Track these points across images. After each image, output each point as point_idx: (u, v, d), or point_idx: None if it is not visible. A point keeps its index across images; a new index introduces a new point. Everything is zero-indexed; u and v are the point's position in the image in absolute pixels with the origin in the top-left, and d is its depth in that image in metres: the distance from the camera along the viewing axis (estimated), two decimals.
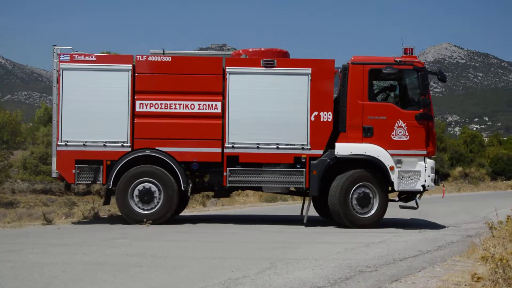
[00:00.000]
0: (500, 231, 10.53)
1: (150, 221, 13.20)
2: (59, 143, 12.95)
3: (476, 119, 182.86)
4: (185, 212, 17.80)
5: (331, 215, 14.01)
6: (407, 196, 14.07)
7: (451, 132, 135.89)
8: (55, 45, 13.34)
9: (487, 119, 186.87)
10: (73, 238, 11.48)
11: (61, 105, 12.99)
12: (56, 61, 13.16)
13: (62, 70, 12.98)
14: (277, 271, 8.13)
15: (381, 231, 13.45)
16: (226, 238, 11.94)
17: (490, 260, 7.19)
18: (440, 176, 54.93)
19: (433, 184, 13.63)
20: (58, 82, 13.04)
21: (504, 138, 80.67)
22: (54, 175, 13.23)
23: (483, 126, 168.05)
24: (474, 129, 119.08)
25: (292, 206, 21.41)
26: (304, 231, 13.25)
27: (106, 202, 14.22)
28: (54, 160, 13.06)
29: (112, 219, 14.80)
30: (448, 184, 46.52)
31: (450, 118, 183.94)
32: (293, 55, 14.39)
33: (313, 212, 14.87)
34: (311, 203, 14.00)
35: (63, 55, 13.12)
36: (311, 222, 14.62)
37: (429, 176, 13.39)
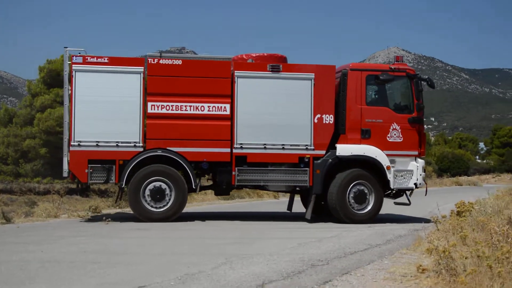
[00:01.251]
0: (444, 225, 10.67)
1: (109, 219, 13.04)
2: (72, 143, 12.79)
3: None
4: None
5: (318, 211, 14.47)
6: (396, 193, 14.43)
7: None
8: (66, 47, 13.20)
9: (433, 119, 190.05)
10: (32, 237, 11.21)
11: (73, 106, 12.80)
12: (68, 62, 13.01)
13: (75, 71, 12.81)
14: (232, 266, 8.08)
15: (333, 226, 13.54)
16: (183, 235, 11.84)
17: (434, 252, 7.26)
18: None
19: (423, 182, 14.17)
20: (70, 83, 12.87)
21: (449, 137, 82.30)
22: (65, 174, 13.14)
23: (429, 126, 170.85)
24: None
25: (248, 204, 21.43)
26: (259, 227, 13.22)
27: (119, 199, 14.60)
28: (65, 160, 12.93)
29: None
30: None
31: None
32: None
33: (298, 209, 14.87)
34: (313, 200, 13.95)
35: (75, 56, 12.96)
36: (267, 218, 14.64)
37: (420, 174, 13.94)
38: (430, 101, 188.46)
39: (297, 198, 16.16)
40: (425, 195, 14.57)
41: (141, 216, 13.29)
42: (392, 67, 13.98)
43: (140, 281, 7.00)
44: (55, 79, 27.83)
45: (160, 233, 12.00)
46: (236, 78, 13.26)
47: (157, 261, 8.53)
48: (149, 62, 13.10)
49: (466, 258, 7.25)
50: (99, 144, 12.79)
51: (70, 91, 12.90)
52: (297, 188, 14.35)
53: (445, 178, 51.58)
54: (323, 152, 13.65)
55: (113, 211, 17.08)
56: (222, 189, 14.17)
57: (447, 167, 55.48)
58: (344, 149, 13.64)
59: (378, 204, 13.84)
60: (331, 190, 13.61)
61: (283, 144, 13.43)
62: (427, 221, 13.88)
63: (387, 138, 13.80)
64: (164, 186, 13.12)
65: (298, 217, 14.71)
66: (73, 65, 12.83)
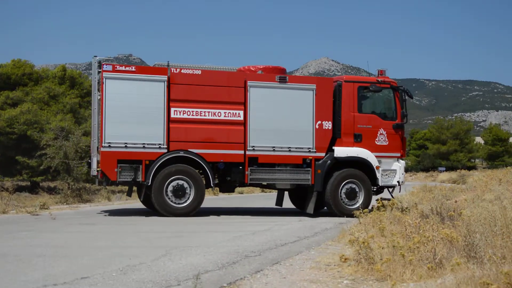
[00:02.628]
0: (365, 219, 10.88)
1: (54, 217, 12.75)
2: (103, 145, 12.90)
3: None
4: (91, 206, 17.27)
5: (302, 206, 15.25)
6: (377, 190, 15.10)
7: None
8: (96, 56, 13.36)
9: None
10: None
11: (104, 110, 12.90)
12: (98, 70, 13.13)
13: (105, 78, 12.93)
14: (172, 258, 8.00)
15: (267, 220, 13.61)
16: (126, 229, 11.64)
17: (355, 243, 7.38)
18: None
19: (404, 180, 15.06)
20: (101, 89, 12.96)
21: None
22: (94, 173, 13.20)
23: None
24: None
25: None
26: (199, 221, 13.14)
27: (129, 194, 15.55)
28: (94, 160, 13.10)
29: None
30: None
31: None
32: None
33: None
34: (315, 197, 14.41)
35: (106, 65, 13.05)
36: (210, 213, 14.57)
37: (402, 174, 14.83)
38: None
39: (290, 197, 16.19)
40: (399, 191, 15.47)
41: (164, 211, 13.47)
42: (379, 79, 14.74)
43: (83, 272, 6.84)
44: (5, 82, 27.10)
45: (105, 227, 11.79)
46: (249, 87, 13.73)
47: (101, 253, 8.36)
48: (172, 71, 13.40)
49: (383, 248, 7.42)
50: (127, 145, 13.03)
51: (99, 96, 13.06)
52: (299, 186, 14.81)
53: None
54: (323, 154, 14.29)
55: (61, 207, 16.69)
56: (228, 186, 14.56)
57: None
58: (340, 152, 14.33)
59: (368, 200, 14.48)
60: (328, 187, 14.23)
61: (289, 147, 14.03)
62: (351, 215, 14.09)
63: (376, 142, 14.59)
64: (185, 184, 13.44)
65: (240, 212, 14.76)
66: (103, 73, 12.96)
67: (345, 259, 7.50)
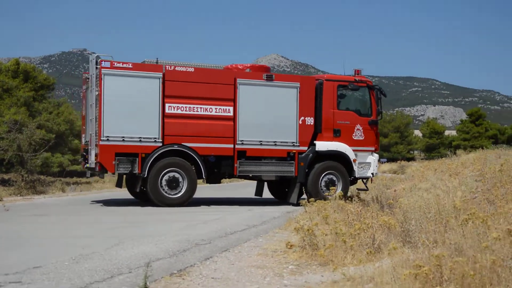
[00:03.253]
0: (311, 207, 11.01)
1: (7, 208, 12.43)
2: (102, 138, 12.89)
3: None
4: (45, 198, 16.89)
5: (280, 196, 16.00)
6: (352, 180, 15.44)
7: None
8: (94, 53, 13.40)
9: None
10: None
11: (102, 105, 12.90)
12: (97, 66, 13.06)
13: (104, 75, 12.92)
14: (124, 247, 7.92)
15: (219, 210, 13.62)
16: (80, 219, 11.45)
17: (301, 230, 7.48)
18: None
19: (377, 172, 15.63)
20: (99, 85, 12.92)
21: None
22: (92, 165, 13.19)
23: None
24: None
25: None
26: (153, 211, 13.02)
27: (119, 185, 15.15)
28: (92, 153, 13.09)
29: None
30: None
31: None
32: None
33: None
34: (298, 187, 14.75)
35: (104, 61, 13.05)
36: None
37: (376, 166, 15.33)
38: None
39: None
40: (371, 182, 16.02)
41: (158, 201, 13.60)
42: (357, 79, 15.15)
43: (35, 262, 6.70)
44: None
45: (59, 218, 11.57)
46: (238, 85, 13.94)
47: (54, 243, 8.21)
48: (167, 69, 13.48)
49: (326, 235, 7.54)
50: (124, 139, 13.08)
51: (97, 92, 13.00)
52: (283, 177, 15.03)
53: None
54: (306, 148, 14.64)
55: (15, 199, 16.27)
56: (216, 178, 14.71)
57: None
58: (321, 146, 14.71)
59: (345, 190, 14.84)
60: (309, 178, 14.58)
61: (275, 141, 14.34)
62: (298, 205, 14.26)
63: (353, 137, 15.03)
64: (178, 176, 13.59)
65: (215, 202, 14.67)
66: (102, 69, 12.93)
67: (291, 245, 7.59)
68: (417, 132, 78.98)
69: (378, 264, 6.05)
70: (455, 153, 36.89)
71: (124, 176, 14.57)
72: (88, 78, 13.72)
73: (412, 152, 75.49)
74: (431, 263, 4.92)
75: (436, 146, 71.35)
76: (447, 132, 78.17)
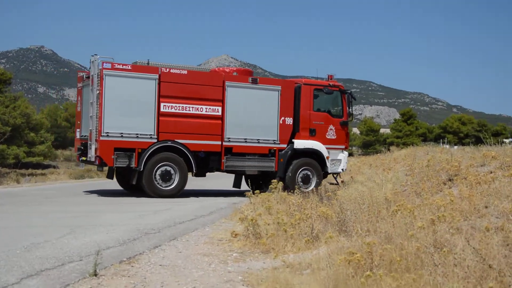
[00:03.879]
0: (256, 198, 11.03)
1: None
2: (102, 134, 13.01)
3: None
4: None
5: (257, 189, 15.56)
6: (324, 175, 15.82)
7: None
8: (96, 54, 13.37)
9: None
10: None
11: (104, 103, 13.01)
12: (99, 67, 13.13)
13: (105, 75, 13.02)
14: (76, 236, 7.73)
15: (170, 201, 13.46)
16: (34, 209, 11.08)
17: (245, 220, 7.49)
18: None
19: (346, 168, 16.32)
20: (101, 85, 13.00)
21: None
22: (92, 159, 13.30)
23: None
24: None
25: (98, 182, 20.59)
26: (107, 202, 12.78)
27: (110, 177, 15.19)
28: (93, 147, 13.18)
29: None
30: None
31: None
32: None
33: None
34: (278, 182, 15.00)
35: (105, 63, 13.13)
36: (118, 194, 14.18)
37: (346, 162, 15.99)
38: None
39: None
40: (340, 176, 16.35)
41: (153, 193, 13.71)
42: (331, 83, 15.78)
43: None
44: None
45: (12, 208, 11.17)
46: (226, 87, 14.27)
47: (6, 233, 7.93)
48: (162, 71, 13.68)
49: (268, 224, 7.58)
50: (123, 135, 13.22)
51: (98, 91, 13.10)
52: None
53: None
54: (285, 145, 15.09)
55: None
56: (202, 172, 14.76)
57: None
58: (299, 144, 15.19)
59: (319, 184, 15.22)
60: (287, 173, 15.00)
61: (258, 139, 14.73)
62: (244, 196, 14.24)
63: (326, 136, 15.56)
64: (170, 169, 13.78)
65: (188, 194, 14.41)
66: (103, 70, 13.03)
67: (236, 234, 7.59)
68: (355, 130, 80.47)
69: (315, 252, 6.11)
70: (388, 150, 37.77)
71: (115, 169, 14.51)
72: (88, 77, 13.89)
73: (350, 148, 76.84)
74: (363, 250, 5.01)
75: (372, 143, 72.86)
76: (382, 130, 79.98)
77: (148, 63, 14.08)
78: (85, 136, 13.99)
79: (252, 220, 7.22)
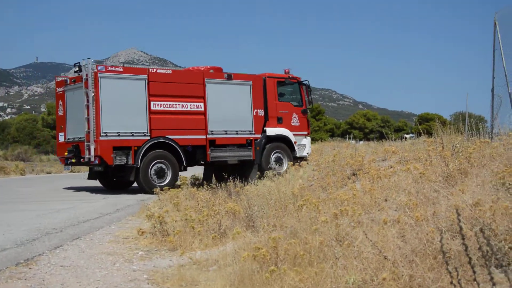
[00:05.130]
0: (164, 195, 10.90)
1: None
2: (101, 134, 13.41)
3: None
4: None
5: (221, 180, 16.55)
6: (294, 159, 16.82)
7: None
8: (90, 58, 13.73)
9: None
10: None
11: (100, 105, 13.46)
12: (93, 70, 13.50)
13: (100, 77, 13.49)
14: None
15: (72, 198, 13.01)
16: None
17: (152, 217, 7.37)
18: None
19: (310, 152, 17.70)
20: (96, 87, 13.41)
21: None
22: (92, 159, 13.53)
23: None
24: None
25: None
26: (6, 200, 12.11)
27: (93, 178, 15.82)
28: (92, 148, 13.44)
29: None
30: None
31: None
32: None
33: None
34: (256, 169, 15.98)
35: (99, 66, 13.62)
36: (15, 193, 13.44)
37: (309, 147, 17.54)
38: None
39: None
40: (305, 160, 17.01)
41: (149, 188, 13.83)
42: (290, 76, 17.27)
43: None
44: None
45: None
46: (206, 83, 15.27)
47: None
48: (150, 71, 14.52)
49: (176, 221, 7.51)
50: (120, 134, 13.75)
51: (93, 93, 13.45)
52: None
53: None
54: (259, 135, 16.38)
55: None
56: (190, 164, 15.42)
57: None
58: (270, 131, 16.62)
59: (289, 165, 16.49)
60: (262, 157, 16.32)
61: (236, 131, 15.88)
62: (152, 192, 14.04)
63: (291, 123, 17.02)
64: (164, 166, 14.49)
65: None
66: (98, 73, 13.51)
67: (142, 232, 7.45)
68: None
69: (222, 248, 6.14)
70: None
71: (95, 169, 14.90)
72: (74, 81, 14.33)
73: None
74: (269, 245, 5.08)
75: None
76: None
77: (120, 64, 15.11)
78: (72, 138, 14.46)
79: (159, 217, 7.12)
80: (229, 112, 15.77)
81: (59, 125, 15.19)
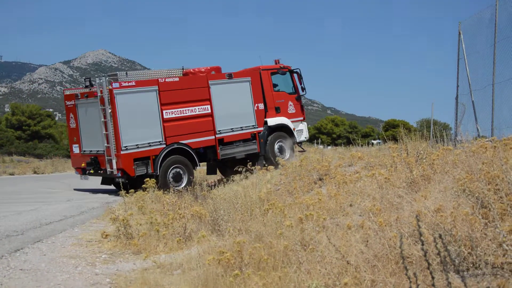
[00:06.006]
0: (130, 198, 10.77)
1: None
2: (122, 148, 13.82)
3: None
4: None
5: (225, 175, 17.33)
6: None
7: None
8: (104, 75, 14.30)
9: None
10: None
11: (118, 120, 13.78)
12: (108, 87, 13.78)
13: (116, 94, 13.83)
14: None
15: (36, 200, 12.75)
16: None
17: (116, 220, 7.28)
18: None
19: (308, 136, 18.56)
20: (112, 103, 13.73)
21: None
22: (115, 172, 13.96)
23: None
24: None
25: None
26: None
27: (107, 183, 15.77)
28: (113, 162, 13.88)
29: None
30: None
31: None
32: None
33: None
34: (262, 160, 16.61)
35: (114, 83, 13.90)
36: None
37: (307, 131, 18.37)
38: None
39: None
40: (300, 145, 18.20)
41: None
42: (281, 66, 17.87)
43: None
44: None
45: None
46: (210, 86, 15.75)
47: None
48: (160, 81, 14.77)
49: (141, 224, 7.43)
50: (138, 146, 14.17)
51: (110, 110, 13.81)
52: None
53: None
54: (262, 128, 16.97)
55: None
56: (202, 163, 16.24)
57: None
58: (271, 121, 17.24)
59: (292, 153, 17.23)
60: (266, 149, 16.91)
61: (241, 127, 16.43)
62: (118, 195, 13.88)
63: (288, 111, 17.69)
64: (180, 171, 14.99)
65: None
66: (114, 90, 13.83)
67: (106, 235, 7.36)
68: None
69: (187, 252, 6.10)
70: None
71: (116, 180, 15.05)
72: (86, 96, 14.65)
73: None
74: (234, 249, 5.08)
75: None
76: None
77: (124, 73, 14.96)
78: (89, 151, 14.95)
79: (123, 220, 7.04)
80: (233, 110, 16.40)
81: (72, 137, 15.79)
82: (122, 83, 14.23)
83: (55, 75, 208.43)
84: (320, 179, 10.10)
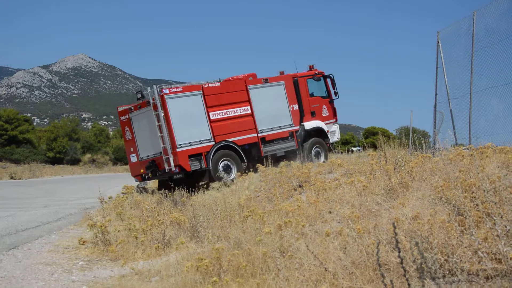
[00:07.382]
0: (108, 204, 10.69)
1: None
2: (177, 147, 14.87)
3: (104, 117, 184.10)
4: None
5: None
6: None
7: (85, 126, 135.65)
8: (157, 85, 15.21)
9: (113, 117, 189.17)
10: None
11: (172, 122, 14.85)
12: (160, 93, 14.86)
13: (167, 99, 15.00)
14: None
15: (13, 207, 12.57)
16: None
17: (94, 227, 7.21)
18: (73, 161, 53.31)
19: (339, 137, 19.71)
20: (164, 108, 14.82)
21: None
22: (173, 168, 14.82)
23: (110, 123, 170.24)
24: (103, 124, 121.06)
25: None
26: None
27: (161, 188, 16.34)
28: (171, 160, 14.78)
29: None
30: (79, 168, 45.91)
31: (84, 115, 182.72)
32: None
33: None
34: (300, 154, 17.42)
35: (165, 89, 15.13)
36: None
37: (338, 132, 19.49)
38: (111, 102, 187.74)
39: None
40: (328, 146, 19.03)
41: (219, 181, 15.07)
42: (316, 72, 18.98)
43: None
44: None
45: None
46: (249, 89, 17.15)
47: None
48: (203, 86, 16.02)
49: (119, 231, 7.37)
50: (191, 144, 15.24)
51: (163, 113, 14.90)
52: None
53: (119, 165, 52.12)
54: (298, 127, 18.10)
55: None
56: (248, 160, 16.99)
57: (122, 156, 55.83)
58: (308, 125, 18.36)
59: (327, 156, 18.31)
60: (305, 151, 17.88)
61: (280, 126, 17.59)
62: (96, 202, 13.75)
63: (322, 114, 18.86)
64: (229, 163, 16.15)
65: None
66: (165, 95, 15.00)
67: (84, 242, 7.27)
68: None
69: (166, 258, 6.06)
70: None
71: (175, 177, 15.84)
72: (139, 107, 15.79)
73: None
74: (212, 255, 5.06)
75: None
76: None
77: (165, 82, 16.25)
78: (146, 156, 15.99)
79: (101, 226, 6.98)
80: (271, 111, 17.64)
81: (129, 148, 16.92)
82: (171, 88, 15.70)
83: (33, 80, 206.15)
84: (300, 186, 10.13)
